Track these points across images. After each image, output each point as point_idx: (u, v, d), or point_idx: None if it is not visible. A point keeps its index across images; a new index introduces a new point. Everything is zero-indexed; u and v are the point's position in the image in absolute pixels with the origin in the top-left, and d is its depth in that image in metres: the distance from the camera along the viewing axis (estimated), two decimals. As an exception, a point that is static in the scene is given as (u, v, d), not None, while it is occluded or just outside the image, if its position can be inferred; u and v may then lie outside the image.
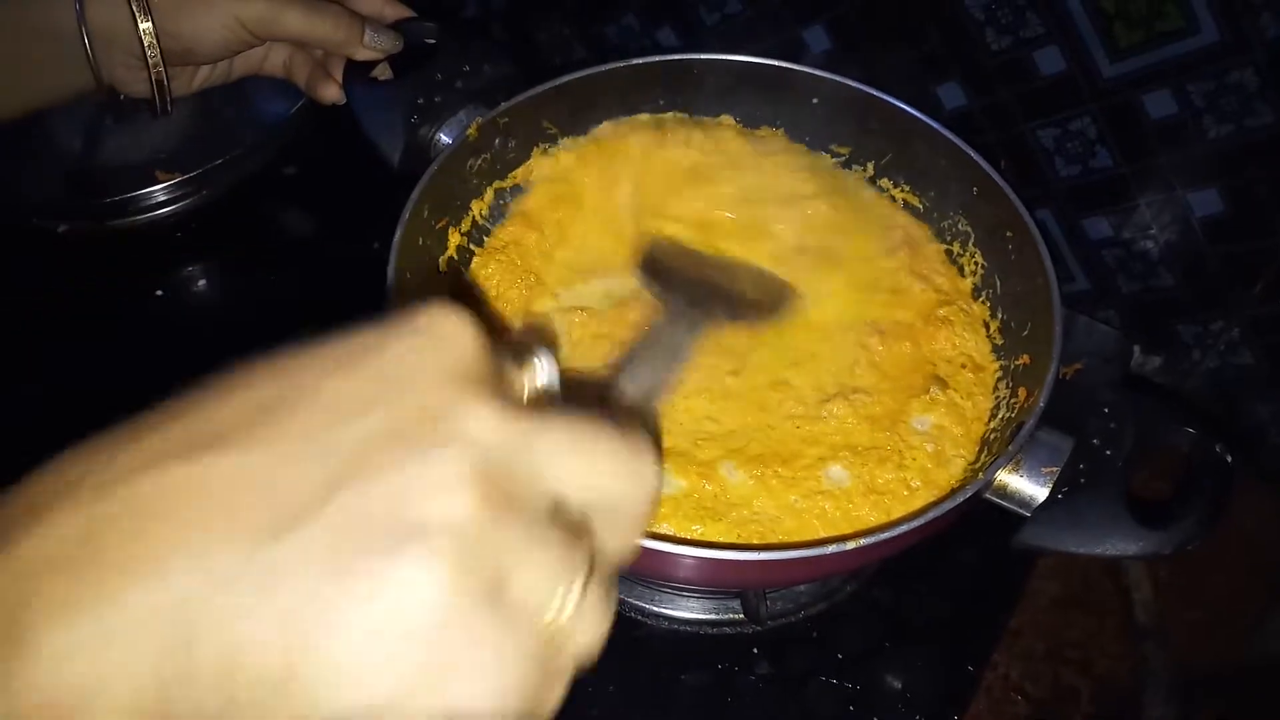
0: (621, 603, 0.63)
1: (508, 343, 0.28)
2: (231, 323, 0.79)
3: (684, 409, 0.58)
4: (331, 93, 0.70)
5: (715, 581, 0.59)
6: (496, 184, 0.68)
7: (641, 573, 0.62)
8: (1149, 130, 0.69)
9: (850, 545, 0.46)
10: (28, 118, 0.65)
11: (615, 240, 0.67)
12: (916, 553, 0.50)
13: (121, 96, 0.66)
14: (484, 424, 0.24)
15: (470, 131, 0.64)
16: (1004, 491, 0.52)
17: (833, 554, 0.46)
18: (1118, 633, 0.67)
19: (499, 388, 0.26)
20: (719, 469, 0.56)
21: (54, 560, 0.21)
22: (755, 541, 0.53)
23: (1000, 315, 0.63)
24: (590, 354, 0.61)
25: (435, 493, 0.23)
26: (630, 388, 0.36)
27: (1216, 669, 0.68)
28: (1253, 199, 0.68)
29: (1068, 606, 0.68)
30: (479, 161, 0.66)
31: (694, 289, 0.57)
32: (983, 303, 0.65)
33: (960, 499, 0.48)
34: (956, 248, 0.67)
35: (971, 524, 0.51)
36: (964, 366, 0.61)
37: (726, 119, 0.72)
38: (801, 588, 0.63)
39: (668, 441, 0.57)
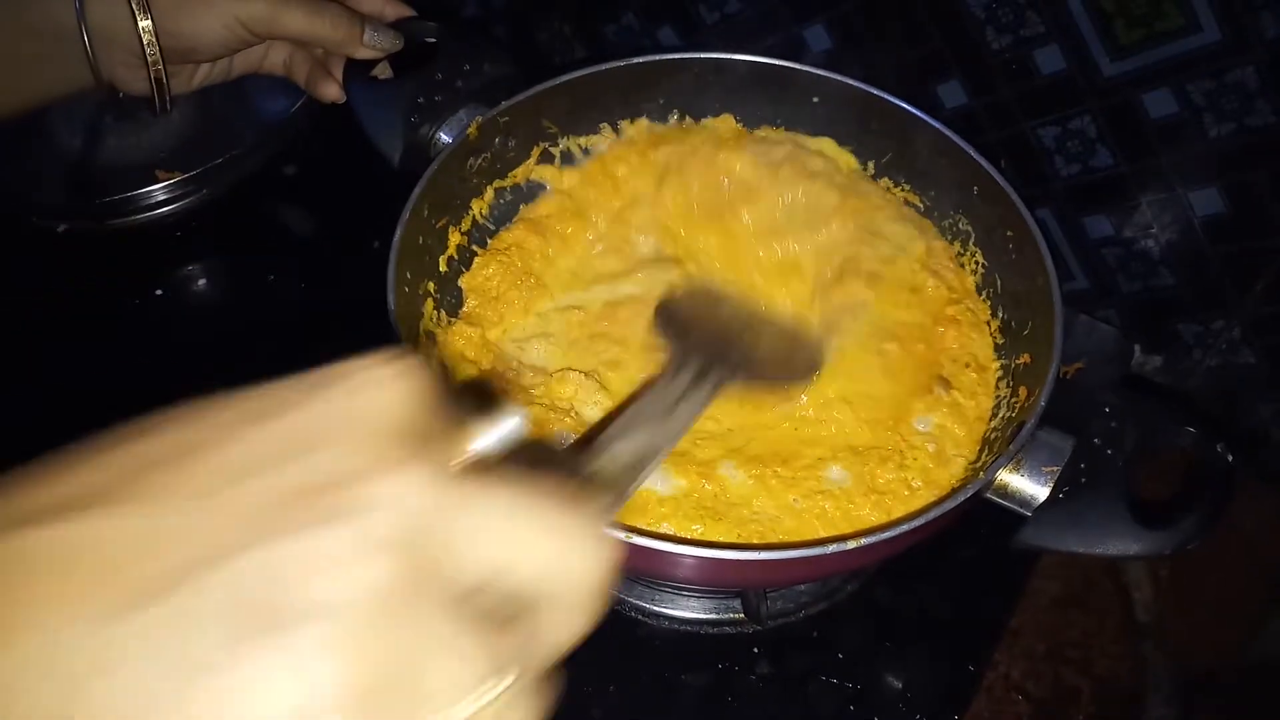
0: (621, 602, 0.63)
1: (465, 398, 0.26)
2: (231, 323, 0.79)
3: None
4: (332, 91, 0.70)
5: (716, 581, 0.59)
6: (497, 183, 0.68)
7: (642, 573, 0.62)
8: (1149, 129, 0.69)
9: (851, 545, 0.46)
10: (27, 116, 0.64)
11: (622, 255, 0.67)
12: (917, 553, 0.50)
13: (121, 95, 0.66)
14: (407, 491, 0.21)
15: (470, 131, 0.64)
16: (1004, 491, 0.52)
17: (833, 554, 0.46)
18: (1118, 633, 0.67)
19: (436, 450, 0.23)
20: (719, 468, 0.56)
21: None
22: (755, 541, 0.53)
23: (1001, 314, 0.63)
24: (588, 354, 0.61)
25: (335, 568, 0.20)
26: (614, 456, 0.32)
27: (1216, 669, 0.68)
28: (1253, 198, 0.68)
29: (1068, 606, 0.68)
30: (479, 161, 0.66)
31: (712, 349, 0.51)
32: (983, 302, 0.65)
33: (961, 498, 0.48)
34: (957, 247, 0.67)
35: (972, 524, 0.51)
36: (968, 366, 0.61)
37: (727, 118, 0.72)
38: (802, 587, 0.63)
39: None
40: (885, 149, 0.70)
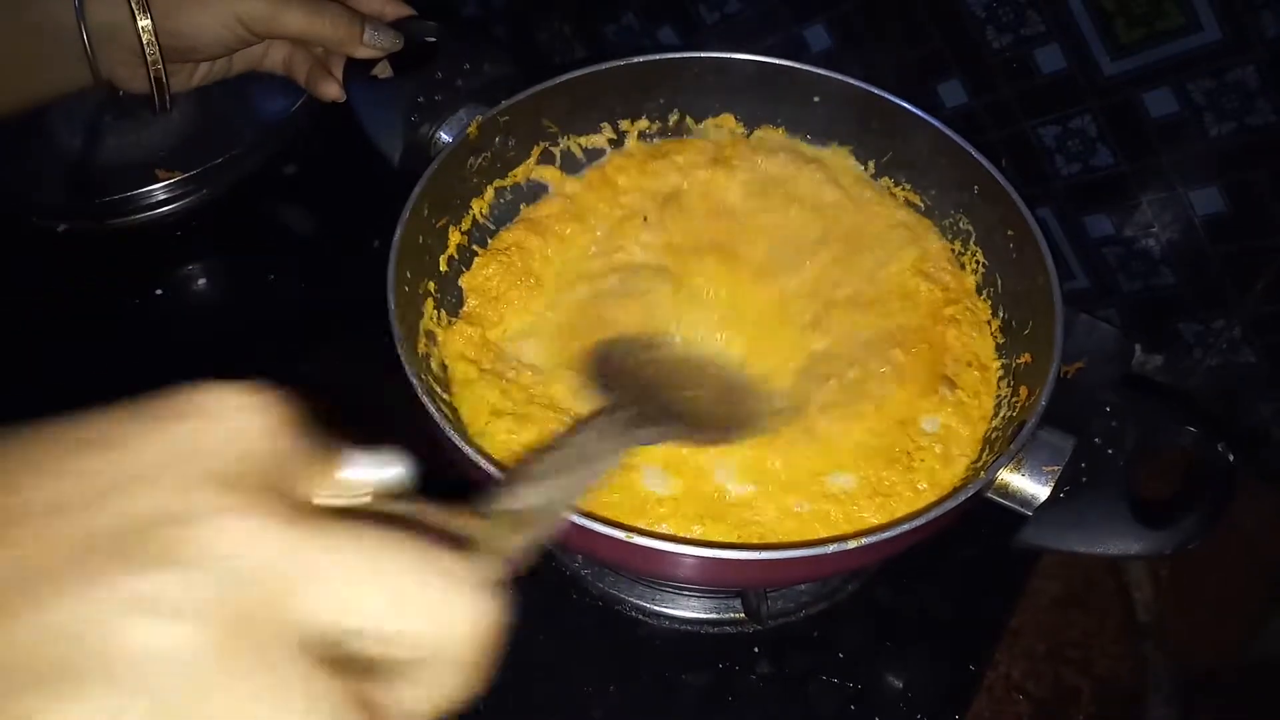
0: (622, 602, 0.63)
1: (339, 437, 0.24)
2: (231, 323, 0.79)
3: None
4: (332, 90, 0.70)
5: (717, 581, 0.59)
6: (497, 183, 0.68)
7: (642, 573, 0.62)
8: (1150, 128, 0.69)
9: (851, 545, 0.46)
10: (27, 116, 0.64)
11: (614, 262, 0.66)
12: (917, 552, 0.50)
13: (120, 93, 0.66)
14: (239, 537, 0.20)
15: (470, 130, 0.64)
16: (1005, 491, 0.52)
17: (834, 553, 0.46)
18: (1118, 632, 0.67)
19: (284, 493, 0.22)
20: (716, 472, 0.56)
21: None
22: (756, 541, 0.53)
23: (1001, 314, 0.63)
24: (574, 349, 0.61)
25: (144, 620, 0.18)
26: (517, 503, 0.29)
27: (1216, 669, 0.68)
28: (1254, 197, 0.68)
29: (1068, 606, 0.68)
30: (479, 160, 0.66)
31: (647, 401, 0.48)
32: (984, 301, 0.65)
33: (961, 498, 0.48)
34: (958, 246, 0.67)
35: (972, 524, 0.51)
36: (970, 365, 0.61)
37: (727, 118, 0.72)
38: (802, 587, 0.63)
39: (666, 447, 0.56)
40: (885, 148, 0.70)
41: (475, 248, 0.67)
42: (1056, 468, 0.51)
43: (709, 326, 0.62)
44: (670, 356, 0.59)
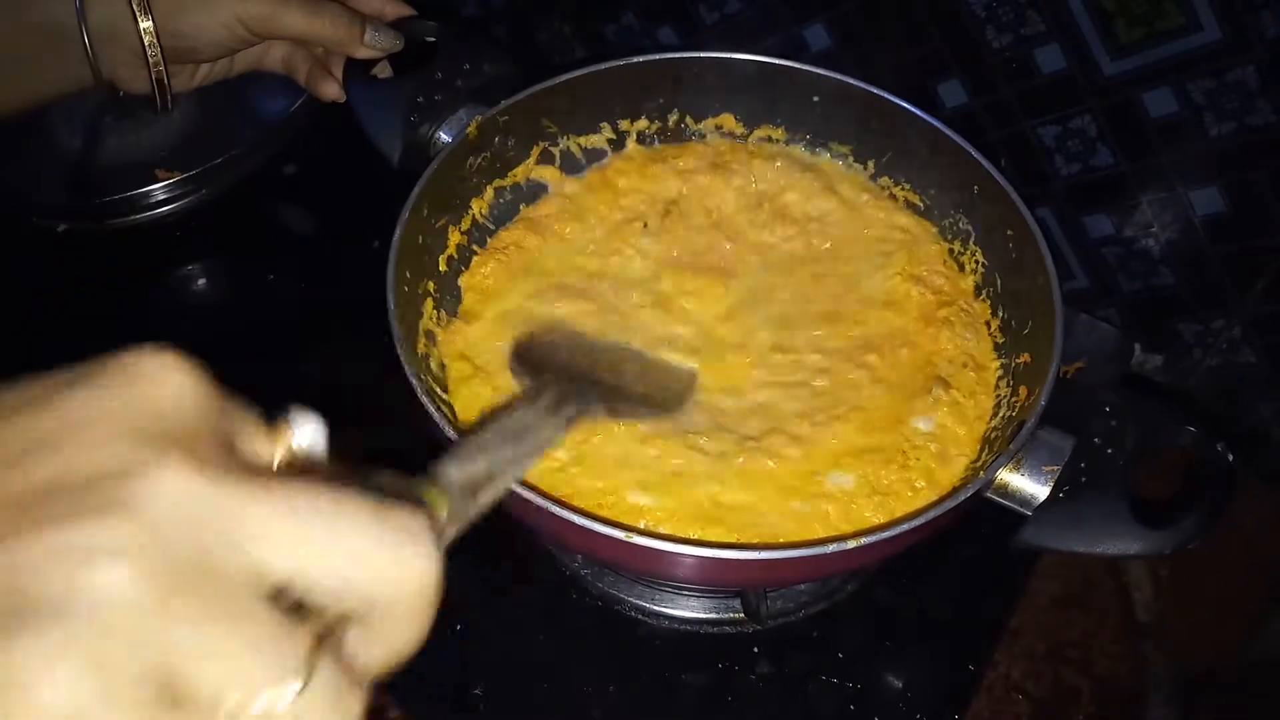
0: (622, 601, 0.63)
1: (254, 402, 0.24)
2: (231, 323, 0.79)
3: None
4: (332, 90, 0.70)
5: (717, 581, 0.59)
6: (497, 182, 0.68)
7: (643, 573, 0.62)
8: (1150, 128, 0.69)
9: (851, 545, 0.46)
10: (27, 116, 0.65)
11: (608, 264, 0.67)
12: (917, 552, 0.50)
13: (121, 94, 0.66)
14: (172, 488, 0.20)
15: (470, 130, 0.64)
16: (1005, 490, 0.52)
17: (833, 553, 0.46)
18: (1118, 632, 0.67)
19: (215, 448, 0.22)
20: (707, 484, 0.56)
21: None
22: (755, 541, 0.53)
23: (1001, 314, 0.63)
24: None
25: (84, 565, 0.19)
26: (457, 471, 0.31)
27: (1216, 669, 0.68)
28: (1254, 197, 0.68)
29: (1068, 606, 0.68)
30: (479, 160, 0.66)
31: (569, 383, 0.49)
32: (983, 301, 0.65)
33: (961, 498, 0.48)
34: (957, 246, 0.67)
35: (972, 524, 0.51)
36: (965, 366, 0.61)
37: (727, 117, 0.72)
38: (802, 587, 0.63)
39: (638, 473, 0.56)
40: (885, 148, 0.70)
41: (474, 247, 0.67)
42: (1056, 467, 0.51)
43: (685, 351, 0.62)
44: (587, 348, 0.60)
